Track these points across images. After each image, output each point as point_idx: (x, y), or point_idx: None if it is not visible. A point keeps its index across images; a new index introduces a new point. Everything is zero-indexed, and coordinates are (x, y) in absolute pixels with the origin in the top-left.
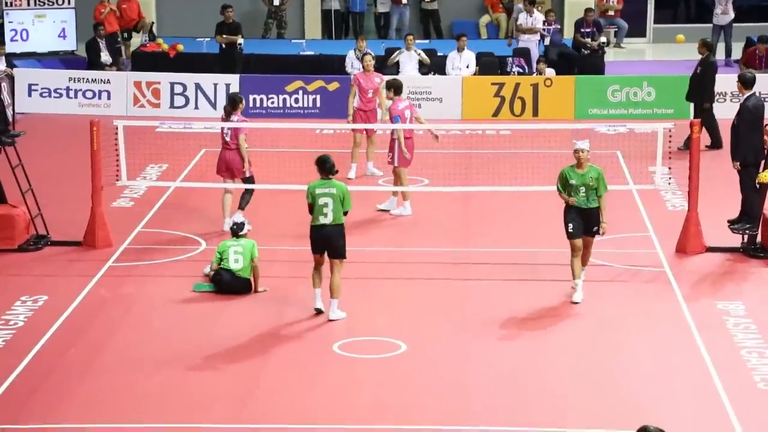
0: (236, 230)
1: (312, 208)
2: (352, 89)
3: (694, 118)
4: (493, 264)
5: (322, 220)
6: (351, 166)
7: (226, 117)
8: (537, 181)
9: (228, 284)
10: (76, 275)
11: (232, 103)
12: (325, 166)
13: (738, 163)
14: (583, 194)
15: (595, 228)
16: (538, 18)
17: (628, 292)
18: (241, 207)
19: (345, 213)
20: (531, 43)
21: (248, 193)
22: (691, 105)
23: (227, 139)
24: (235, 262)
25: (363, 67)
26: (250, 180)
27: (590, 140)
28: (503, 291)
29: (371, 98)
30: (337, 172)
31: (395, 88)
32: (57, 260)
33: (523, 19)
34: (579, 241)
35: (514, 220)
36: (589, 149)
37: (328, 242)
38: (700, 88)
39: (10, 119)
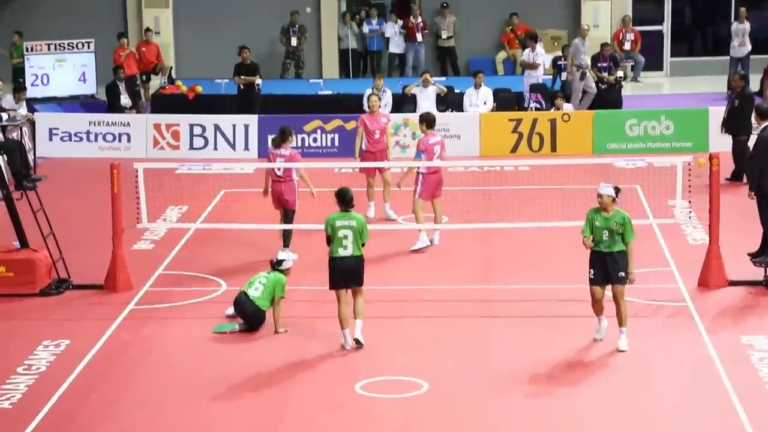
0: (274, 265)
1: (330, 240)
2: (359, 131)
3: (732, 150)
4: (514, 301)
5: (342, 253)
6: (369, 205)
7: (275, 149)
8: (556, 216)
9: (241, 305)
10: (97, 319)
11: (282, 135)
12: (345, 199)
13: (754, 193)
14: (607, 238)
15: (621, 273)
16: (539, 53)
17: (650, 328)
18: (286, 245)
19: (363, 245)
20: (532, 78)
21: (289, 230)
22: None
23: (278, 173)
24: (255, 290)
25: (369, 107)
26: (291, 216)
27: (608, 173)
28: (525, 328)
29: (378, 139)
30: (353, 206)
31: (427, 122)
32: (78, 304)
33: (525, 54)
34: (598, 289)
35: (535, 257)
36: (613, 195)
37: (349, 274)
38: (737, 121)
39: (31, 164)
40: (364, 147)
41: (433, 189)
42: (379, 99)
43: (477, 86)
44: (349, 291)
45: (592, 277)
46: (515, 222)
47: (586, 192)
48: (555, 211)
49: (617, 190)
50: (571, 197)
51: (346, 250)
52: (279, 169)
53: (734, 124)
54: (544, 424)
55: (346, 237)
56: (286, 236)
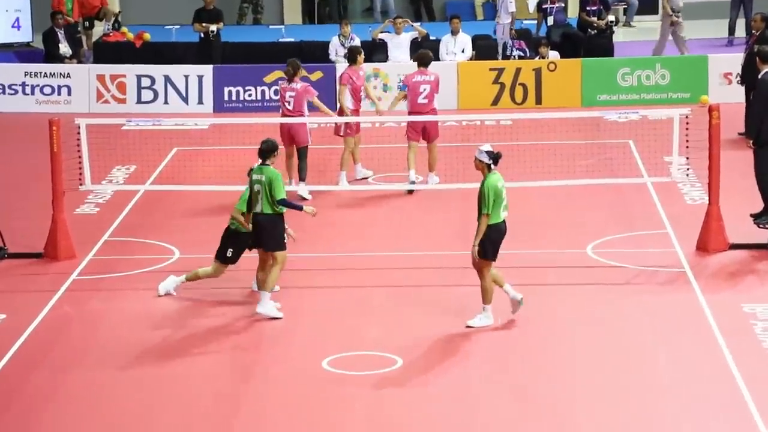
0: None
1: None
2: (343, 88)
3: (746, 100)
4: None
5: (255, 209)
6: (340, 175)
7: (286, 84)
8: (540, 175)
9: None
10: (36, 291)
11: (293, 68)
12: (260, 150)
13: (752, 142)
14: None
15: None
16: None
17: (644, 295)
18: (302, 178)
19: (277, 202)
20: (499, 26)
21: (304, 162)
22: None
23: (289, 107)
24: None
25: (354, 62)
26: (303, 152)
27: (599, 128)
28: (506, 296)
29: (361, 97)
30: (272, 157)
31: (418, 59)
32: (15, 274)
33: None
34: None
35: (517, 219)
36: (485, 160)
37: (258, 233)
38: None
39: None
40: (350, 106)
41: (418, 129)
42: (344, 48)
43: (454, 33)
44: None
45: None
46: None
47: (574, 148)
48: (539, 169)
49: (492, 155)
50: (557, 153)
51: (257, 206)
52: (288, 103)
53: (753, 74)
54: (529, 400)
55: (258, 192)
56: (302, 170)
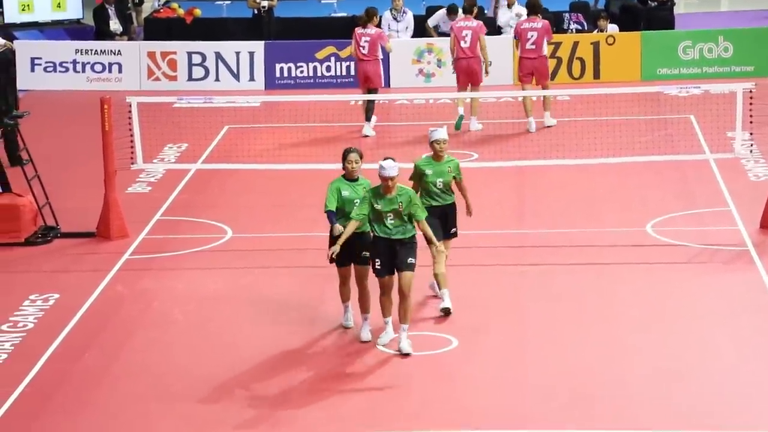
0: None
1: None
2: (452, 37)
3: None
4: (551, 246)
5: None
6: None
7: (361, 29)
8: (599, 152)
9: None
10: (89, 270)
11: (368, 15)
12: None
13: None
14: (391, 220)
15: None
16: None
17: (706, 275)
18: (368, 118)
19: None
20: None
21: (372, 103)
22: None
23: (364, 51)
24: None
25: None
26: (375, 92)
27: (659, 103)
28: (563, 277)
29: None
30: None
31: (529, 7)
32: (68, 254)
33: None
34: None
35: (574, 197)
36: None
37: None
38: None
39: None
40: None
41: (527, 73)
42: (397, 22)
43: (510, 5)
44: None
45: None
46: (553, 159)
47: (634, 124)
48: (598, 146)
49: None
50: (616, 129)
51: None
52: (363, 47)
53: None
54: (586, 380)
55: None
56: (369, 110)
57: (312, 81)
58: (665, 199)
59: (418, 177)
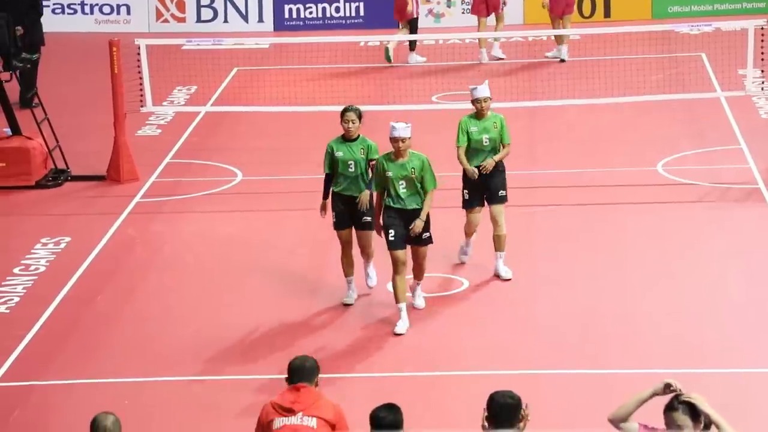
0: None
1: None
2: None
3: None
4: (562, 187)
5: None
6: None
7: None
8: (609, 91)
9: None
10: (100, 213)
11: None
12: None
13: None
14: (404, 188)
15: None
16: None
17: (717, 213)
18: (412, 48)
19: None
20: None
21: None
22: None
23: None
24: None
25: None
26: (414, 24)
27: (670, 41)
28: (574, 217)
29: None
30: None
31: None
32: (79, 197)
33: None
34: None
35: (585, 137)
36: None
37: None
38: None
39: (20, 41)
40: None
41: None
42: None
43: None
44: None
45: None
46: (563, 99)
47: (645, 62)
48: (608, 85)
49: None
50: (627, 68)
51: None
52: None
53: None
54: (597, 320)
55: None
56: (412, 43)
57: (321, 22)
58: (676, 138)
59: (464, 135)
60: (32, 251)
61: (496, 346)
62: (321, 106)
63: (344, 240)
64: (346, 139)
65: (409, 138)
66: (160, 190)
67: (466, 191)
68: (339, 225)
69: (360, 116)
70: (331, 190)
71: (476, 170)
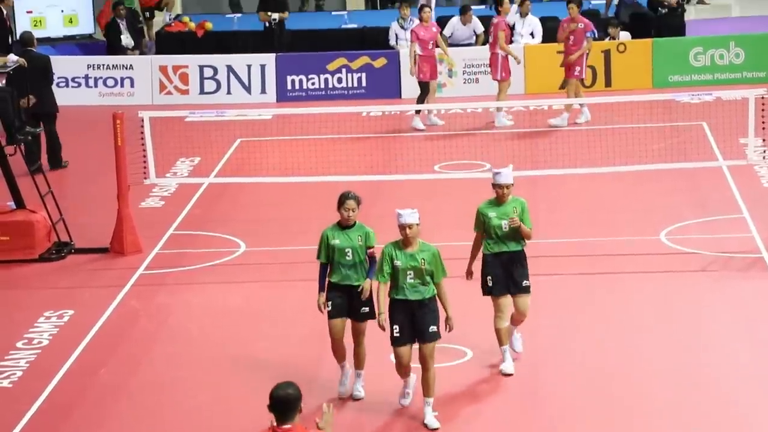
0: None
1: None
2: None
3: None
4: (565, 256)
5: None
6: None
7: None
8: (611, 160)
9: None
10: (103, 286)
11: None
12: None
13: None
14: (411, 279)
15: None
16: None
17: (720, 283)
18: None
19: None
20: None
21: (422, 97)
22: None
23: (429, 47)
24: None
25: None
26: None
27: (671, 110)
28: (577, 287)
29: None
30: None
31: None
32: (82, 269)
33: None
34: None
35: (587, 206)
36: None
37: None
38: None
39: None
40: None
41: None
42: (404, 30)
43: (523, 15)
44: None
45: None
46: (565, 168)
47: (646, 131)
48: (610, 154)
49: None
50: (628, 137)
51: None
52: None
53: None
54: (604, 391)
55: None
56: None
57: (323, 93)
58: (679, 207)
59: (481, 223)
60: (35, 325)
61: (500, 418)
62: (324, 176)
63: (337, 330)
64: (343, 226)
65: (417, 225)
66: (164, 262)
67: (489, 278)
68: (334, 313)
69: (359, 203)
70: (327, 281)
71: (471, 270)
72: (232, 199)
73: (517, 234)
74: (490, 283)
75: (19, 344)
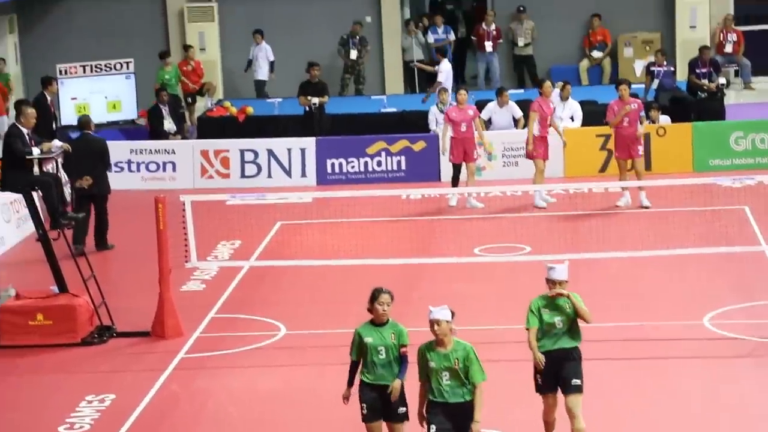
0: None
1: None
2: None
3: None
4: (606, 341)
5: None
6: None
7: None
8: (652, 244)
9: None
10: (145, 370)
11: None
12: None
13: None
14: (447, 380)
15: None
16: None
17: (765, 370)
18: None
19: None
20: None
21: (471, 177)
22: None
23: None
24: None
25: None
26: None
27: (712, 194)
28: (621, 372)
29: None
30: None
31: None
32: (124, 354)
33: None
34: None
35: (628, 291)
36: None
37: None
38: None
39: (68, 199)
40: (536, 132)
41: (625, 147)
42: (467, 92)
43: (564, 98)
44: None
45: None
46: (606, 252)
47: (687, 215)
48: (651, 238)
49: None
50: (669, 221)
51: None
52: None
53: None
54: None
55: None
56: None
57: (363, 176)
58: (721, 292)
59: (535, 319)
60: (77, 409)
61: None
62: (364, 259)
63: None
64: (376, 323)
65: (448, 322)
66: (204, 346)
67: (538, 376)
68: (370, 417)
69: (393, 298)
70: (359, 379)
71: (543, 358)
72: (273, 282)
73: (570, 330)
74: (539, 381)
75: (61, 428)
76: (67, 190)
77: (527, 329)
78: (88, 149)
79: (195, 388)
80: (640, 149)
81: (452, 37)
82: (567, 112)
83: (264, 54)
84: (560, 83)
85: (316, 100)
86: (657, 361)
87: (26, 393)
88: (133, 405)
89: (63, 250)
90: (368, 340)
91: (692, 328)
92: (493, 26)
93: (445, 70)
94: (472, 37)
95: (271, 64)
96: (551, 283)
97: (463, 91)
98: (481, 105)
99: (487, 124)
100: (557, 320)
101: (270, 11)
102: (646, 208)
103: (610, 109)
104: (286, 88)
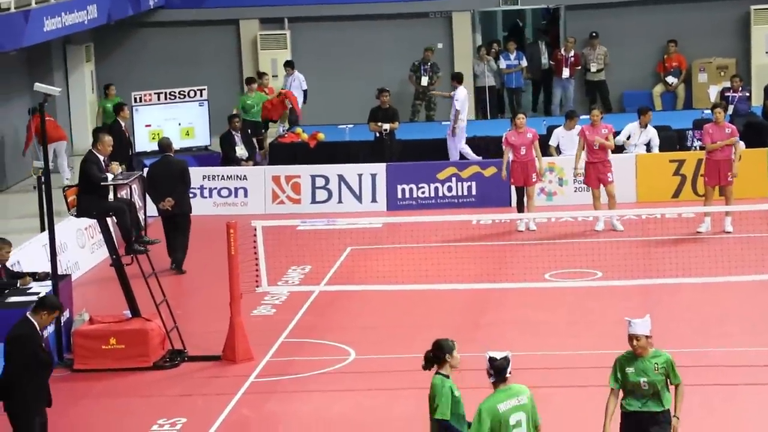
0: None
1: None
2: (506, 150)
3: None
4: (680, 366)
5: None
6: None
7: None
8: (729, 270)
9: None
10: (215, 393)
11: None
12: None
13: None
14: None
15: None
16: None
17: None
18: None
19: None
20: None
21: (530, 201)
22: None
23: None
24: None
25: (515, 125)
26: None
27: None
28: (694, 398)
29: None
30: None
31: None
32: (195, 377)
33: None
34: None
35: (702, 316)
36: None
37: None
38: None
39: (142, 224)
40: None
41: (715, 173)
42: (524, 116)
43: (642, 125)
44: None
45: None
46: (680, 278)
47: (763, 241)
48: (727, 263)
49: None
50: (745, 247)
51: None
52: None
53: None
54: None
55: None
56: (528, 207)
57: (433, 201)
58: None
59: (618, 377)
60: None
61: None
62: (434, 284)
63: None
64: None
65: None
66: (275, 370)
67: None
68: None
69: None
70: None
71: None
72: (343, 306)
73: (658, 393)
74: None
75: None
76: (142, 215)
77: (610, 387)
78: (169, 171)
79: (265, 412)
80: (730, 175)
81: (524, 63)
82: (643, 138)
83: (297, 84)
84: (640, 108)
85: (386, 126)
86: (729, 387)
87: (101, 416)
88: (204, 429)
89: (136, 275)
90: (457, 393)
91: (766, 355)
92: (572, 53)
93: (461, 98)
94: (551, 62)
95: (305, 93)
96: (632, 338)
97: (521, 115)
98: (552, 129)
99: (558, 149)
100: (642, 381)
101: (341, 37)
102: (728, 233)
103: (705, 132)
104: (357, 114)
